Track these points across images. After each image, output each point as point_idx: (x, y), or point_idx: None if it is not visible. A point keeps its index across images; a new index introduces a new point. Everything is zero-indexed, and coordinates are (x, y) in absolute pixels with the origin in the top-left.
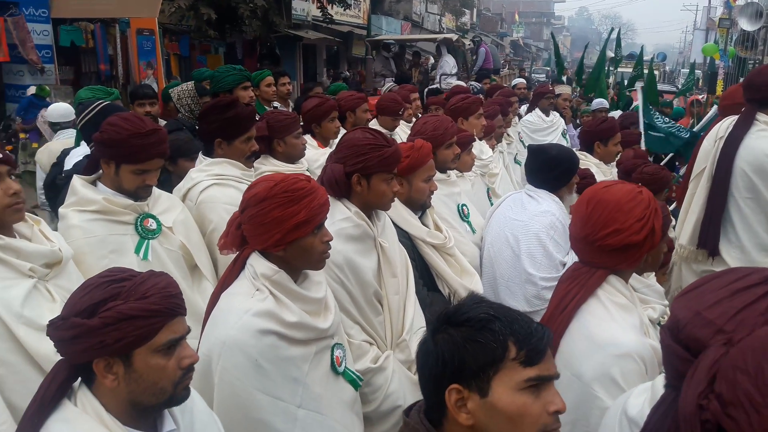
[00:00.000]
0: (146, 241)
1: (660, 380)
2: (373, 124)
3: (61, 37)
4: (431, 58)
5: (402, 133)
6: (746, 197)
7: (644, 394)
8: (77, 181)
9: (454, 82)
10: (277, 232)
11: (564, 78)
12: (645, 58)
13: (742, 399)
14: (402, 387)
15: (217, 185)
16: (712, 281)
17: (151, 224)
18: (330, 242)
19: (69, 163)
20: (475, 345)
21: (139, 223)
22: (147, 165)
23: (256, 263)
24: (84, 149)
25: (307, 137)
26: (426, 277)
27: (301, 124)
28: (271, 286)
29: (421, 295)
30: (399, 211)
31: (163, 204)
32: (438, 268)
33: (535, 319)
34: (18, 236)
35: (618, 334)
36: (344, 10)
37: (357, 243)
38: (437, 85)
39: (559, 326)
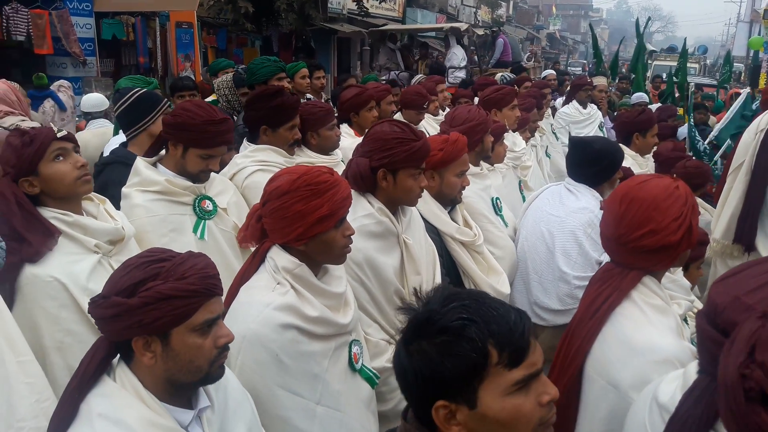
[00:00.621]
0: (203, 221)
1: (693, 367)
2: (397, 117)
3: (103, 30)
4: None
5: (428, 126)
6: None
7: (676, 381)
8: (140, 162)
9: (463, 75)
10: (300, 226)
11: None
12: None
13: None
14: None
15: (261, 171)
16: (753, 267)
17: (208, 205)
18: (352, 236)
19: (107, 151)
20: (453, 358)
21: (197, 204)
22: (214, 151)
23: (277, 256)
24: (121, 138)
25: (344, 126)
26: (452, 274)
27: (336, 114)
28: (293, 279)
29: None
30: (429, 206)
31: (217, 186)
32: (465, 265)
33: (566, 320)
34: (85, 214)
35: (656, 339)
36: (379, 3)
37: (378, 240)
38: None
39: (590, 330)
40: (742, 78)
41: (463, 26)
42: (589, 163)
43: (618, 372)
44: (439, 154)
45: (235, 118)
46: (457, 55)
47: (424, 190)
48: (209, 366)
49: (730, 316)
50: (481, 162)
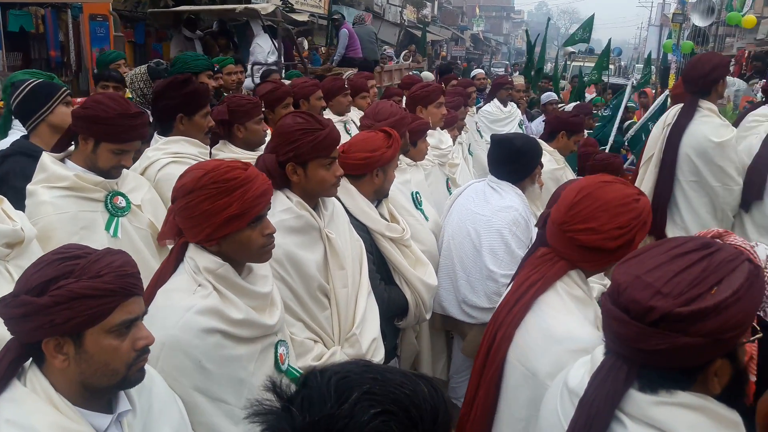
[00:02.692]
0: (116, 218)
1: (600, 350)
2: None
3: (10, 21)
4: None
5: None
6: (690, 180)
7: (585, 366)
8: (47, 157)
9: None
10: (208, 226)
11: (517, 72)
12: (599, 52)
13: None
14: None
15: (175, 163)
16: (652, 249)
17: (121, 202)
18: (273, 234)
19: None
20: None
21: (108, 201)
22: (127, 146)
23: (198, 256)
24: (12, 138)
25: None
26: (382, 271)
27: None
28: (215, 280)
29: (378, 290)
30: (358, 203)
31: (130, 183)
32: (395, 261)
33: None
34: None
35: (575, 329)
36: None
37: (299, 235)
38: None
39: (515, 317)
40: (652, 79)
41: (266, 7)
42: (511, 160)
43: (537, 359)
44: (388, 151)
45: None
46: (262, 48)
47: (354, 189)
48: (127, 369)
49: (631, 294)
50: (401, 157)
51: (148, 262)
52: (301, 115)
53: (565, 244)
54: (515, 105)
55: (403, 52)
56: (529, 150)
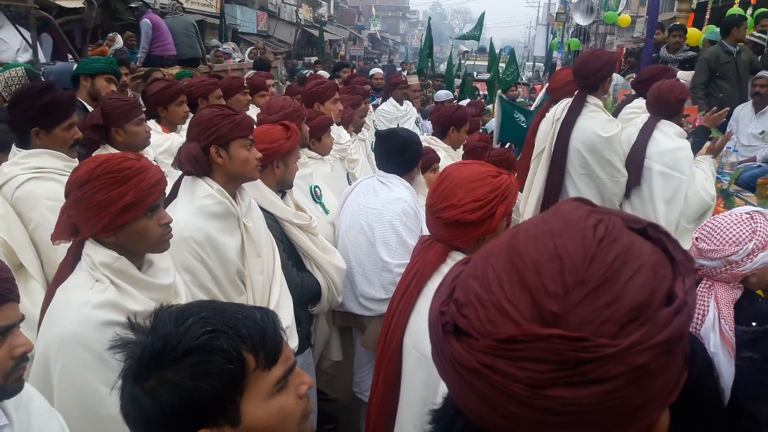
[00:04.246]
0: None
1: None
2: None
3: None
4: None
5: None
6: (581, 173)
7: None
8: None
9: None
10: (105, 216)
11: (405, 72)
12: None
13: (472, 299)
14: None
15: (36, 179)
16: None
17: None
18: (170, 224)
19: None
20: (209, 378)
21: None
22: None
23: (93, 252)
24: None
25: (152, 123)
26: (294, 258)
27: (144, 109)
28: (112, 274)
29: (290, 276)
30: (263, 194)
31: None
32: (306, 247)
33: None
34: None
35: None
36: None
37: (219, 221)
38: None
39: (406, 303)
40: (541, 76)
41: None
42: (397, 152)
43: (427, 341)
44: (287, 143)
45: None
46: (8, 44)
47: (259, 181)
48: (4, 379)
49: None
50: (304, 150)
51: None
52: (215, 106)
53: (435, 226)
54: (410, 103)
55: (249, 49)
56: (414, 142)
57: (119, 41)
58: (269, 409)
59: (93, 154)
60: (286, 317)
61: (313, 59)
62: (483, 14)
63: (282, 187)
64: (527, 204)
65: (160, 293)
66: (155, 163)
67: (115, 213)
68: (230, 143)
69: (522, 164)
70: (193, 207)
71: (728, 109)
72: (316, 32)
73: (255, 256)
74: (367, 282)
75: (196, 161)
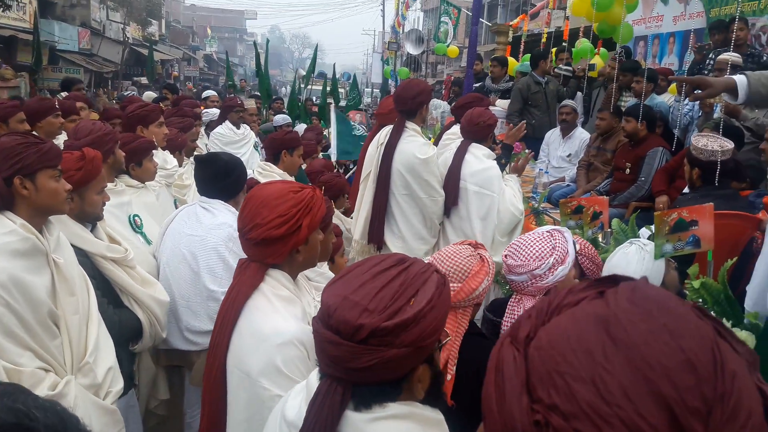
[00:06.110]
0: None
1: (314, 376)
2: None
3: None
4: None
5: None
6: (403, 194)
7: (300, 394)
8: None
9: None
10: None
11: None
12: (331, 77)
13: (588, 411)
14: (88, 413)
15: None
16: (356, 268)
17: None
18: None
19: None
20: None
21: None
22: None
23: None
24: None
25: None
26: (109, 295)
27: None
28: None
29: (107, 314)
30: (71, 229)
31: None
32: (122, 282)
33: None
34: None
35: (280, 324)
36: (2, 11)
37: (26, 259)
38: None
39: (226, 326)
40: (378, 101)
41: None
42: (219, 177)
43: (249, 360)
44: (77, 174)
45: None
46: None
47: (64, 215)
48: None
49: (341, 315)
50: (124, 177)
51: None
52: (18, 134)
53: (247, 247)
54: (248, 127)
55: None
56: (237, 166)
57: None
58: None
59: None
60: (108, 358)
61: (143, 79)
62: (316, 47)
63: (88, 220)
64: (356, 224)
65: None
66: None
67: None
68: (37, 174)
69: (354, 187)
70: None
71: (525, 122)
72: (145, 51)
73: (68, 294)
74: (191, 314)
75: None
